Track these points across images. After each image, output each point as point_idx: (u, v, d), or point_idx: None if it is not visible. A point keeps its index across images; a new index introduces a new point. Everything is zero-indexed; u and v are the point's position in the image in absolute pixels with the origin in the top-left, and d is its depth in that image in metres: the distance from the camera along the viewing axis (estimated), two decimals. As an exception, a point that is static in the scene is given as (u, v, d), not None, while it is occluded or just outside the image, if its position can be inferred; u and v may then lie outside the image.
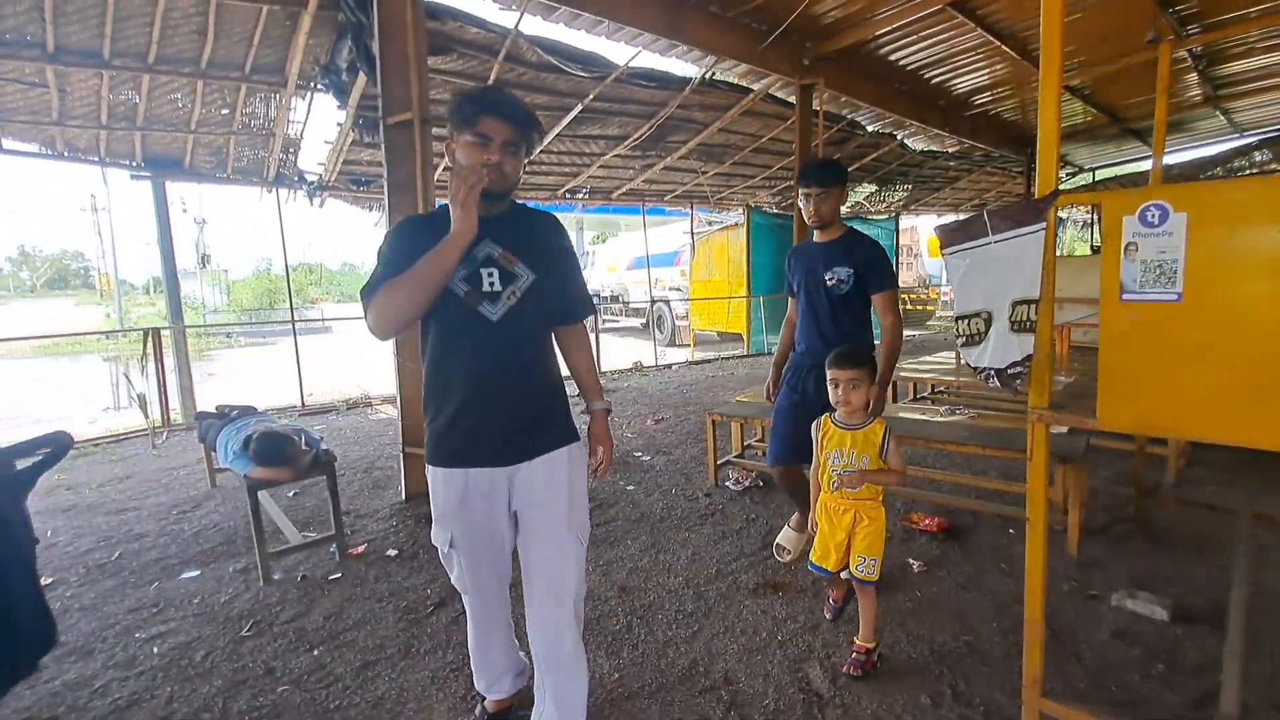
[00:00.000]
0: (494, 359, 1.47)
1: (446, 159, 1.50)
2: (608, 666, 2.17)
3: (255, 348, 21.12)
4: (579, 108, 5.93)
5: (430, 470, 1.58)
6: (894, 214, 12.68)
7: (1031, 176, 10.85)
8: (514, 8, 4.66)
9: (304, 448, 3.02)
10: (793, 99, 6.65)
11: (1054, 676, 1.99)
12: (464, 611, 1.81)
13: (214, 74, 4.86)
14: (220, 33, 4.47)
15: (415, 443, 3.89)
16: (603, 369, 9.32)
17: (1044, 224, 1.51)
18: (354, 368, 12.22)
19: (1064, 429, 3.34)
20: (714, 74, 5.93)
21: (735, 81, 6.24)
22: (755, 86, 6.27)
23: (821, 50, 5.69)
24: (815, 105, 6.01)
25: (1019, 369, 1.56)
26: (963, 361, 1.74)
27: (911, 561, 2.87)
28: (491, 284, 1.47)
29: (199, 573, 3.04)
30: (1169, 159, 10.94)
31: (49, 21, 4.08)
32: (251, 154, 6.08)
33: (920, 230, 21.25)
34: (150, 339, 5.78)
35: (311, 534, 3.39)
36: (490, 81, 5.23)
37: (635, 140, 6.98)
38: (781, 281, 2.90)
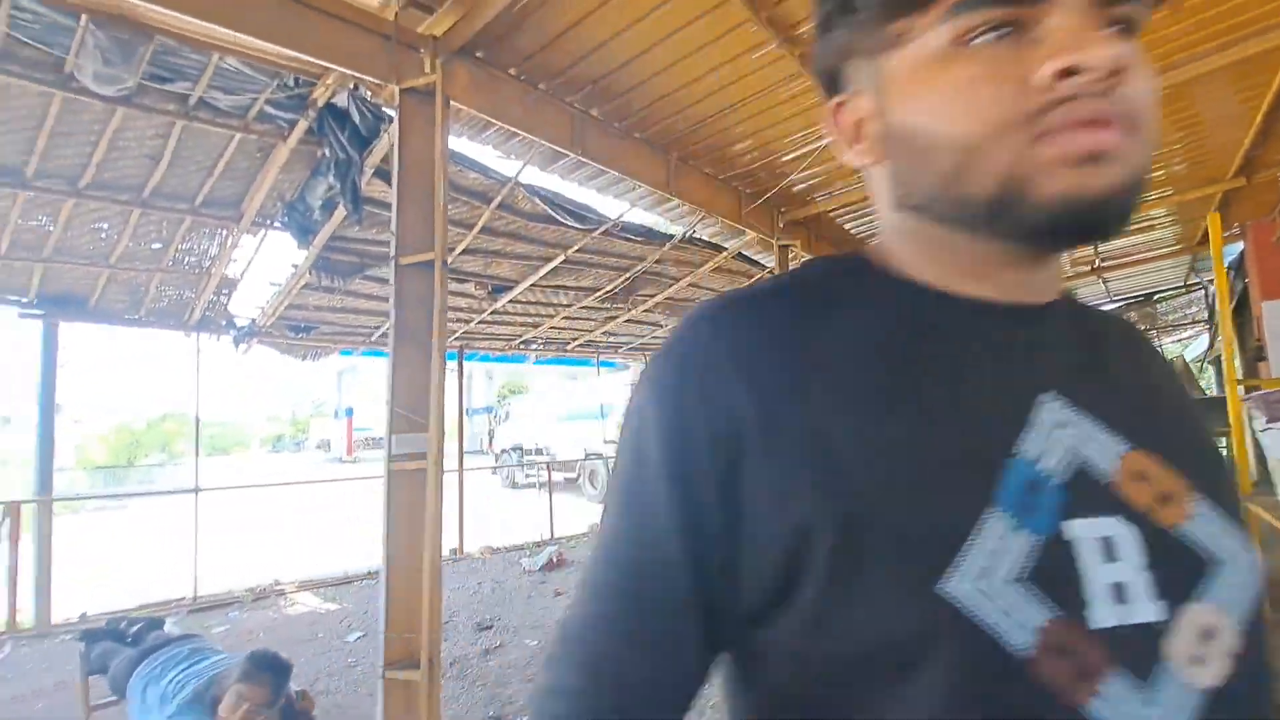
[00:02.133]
0: None
1: (840, 142, 0.50)
2: None
3: (104, 513, 17.92)
4: (561, 258, 5.73)
5: None
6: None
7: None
8: (512, 157, 4.51)
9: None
10: (759, 259, 6.92)
11: None
12: None
13: (157, 204, 4.20)
14: (177, 160, 3.90)
15: (398, 662, 2.95)
16: (555, 533, 8.40)
17: None
18: (238, 543, 10.29)
19: None
20: (694, 230, 6.01)
21: (708, 239, 6.38)
22: (728, 245, 6.41)
23: (793, 216, 6.02)
24: (789, 266, 6.19)
25: None
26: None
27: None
28: (1121, 590, 0.36)
29: None
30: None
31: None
32: (175, 294, 5.25)
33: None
34: (9, 515, 4.34)
35: (252, 821, 2.32)
36: (476, 229, 4.93)
37: (607, 292, 6.85)
38: None
